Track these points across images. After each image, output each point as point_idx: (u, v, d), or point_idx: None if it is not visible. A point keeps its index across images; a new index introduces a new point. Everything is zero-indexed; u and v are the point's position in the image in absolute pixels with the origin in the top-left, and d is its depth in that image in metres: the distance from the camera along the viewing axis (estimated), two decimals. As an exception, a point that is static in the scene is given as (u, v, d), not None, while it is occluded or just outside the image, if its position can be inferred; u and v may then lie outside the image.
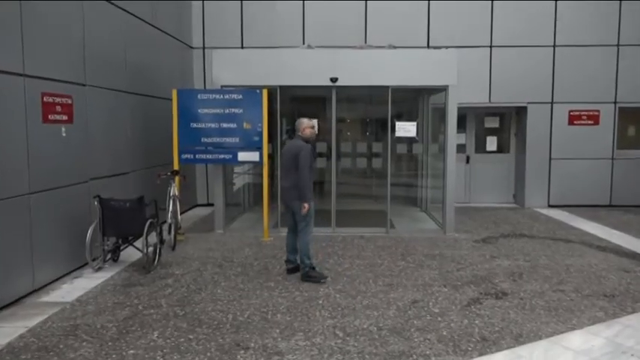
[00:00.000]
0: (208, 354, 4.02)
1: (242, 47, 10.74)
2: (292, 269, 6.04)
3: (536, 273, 6.17)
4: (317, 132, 5.95)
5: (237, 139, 7.91)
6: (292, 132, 10.13)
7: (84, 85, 6.50)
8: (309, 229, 5.81)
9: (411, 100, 10.42)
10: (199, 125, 7.91)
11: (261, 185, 8.21)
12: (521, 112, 11.10)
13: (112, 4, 7.33)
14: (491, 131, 11.45)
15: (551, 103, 10.78)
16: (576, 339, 4.32)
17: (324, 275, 5.84)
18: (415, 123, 8.46)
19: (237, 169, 9.87)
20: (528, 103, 10.78)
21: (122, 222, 6.13)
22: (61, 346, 4.18)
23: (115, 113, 7.39)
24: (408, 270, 6.30)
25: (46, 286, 5.67)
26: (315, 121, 6.00)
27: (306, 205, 5.63)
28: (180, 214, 7.97)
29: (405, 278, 5.96)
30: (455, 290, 5.54)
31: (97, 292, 5.47)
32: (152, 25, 8.86)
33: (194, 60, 11.00)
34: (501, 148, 11.55)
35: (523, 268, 6.36)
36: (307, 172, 5.61)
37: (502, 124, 11.54)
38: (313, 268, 5.85)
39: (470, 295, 5.35)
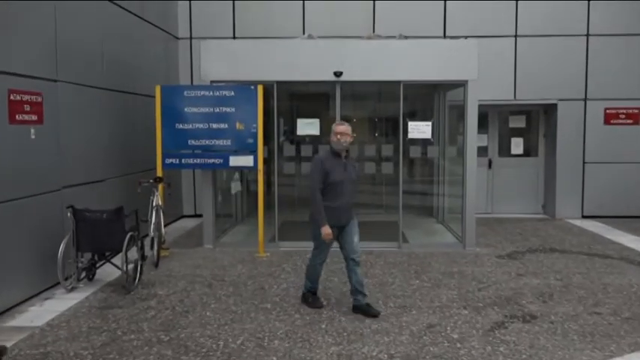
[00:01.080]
0: (196, 385, 4.03)
1: (234, 37, 10.81)
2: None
3: (569, 293, 6.17)
4: (349, 140, 5.37)
5: (228, 142, 7.94)
6: (290, 134, 10.16)
7: (55, 81, 6.55)
8: (316, 255, 5.63)
9: (426, 97, 10.45)
10: (186, 126, 7.95)
11: (256, 193, 8.23)
12: (550, 110, 11.12)
13: (88, -11, 7.41)
14: (517, 132, 11.47)
15: (585, 99, 10.81)
16: (615, 368, 4.32)
17: (319, 304, 5.69)
18: (430, 123, 8.48)
19: (228, 176, 9.90)
20: (559, 100, 10.81)
21: (98, 236, 6.14)
22: (30, 377, 4.19)
23: (91, 113, 7.43)
24: (423, 290, 6.29)
25: (12, 308, 5.68)
26: (345, 127, 5.36)
27: (324, 230, 5.31)
28: (165, 226, 7.98)
29: (419, 299, 5.96)
30: (476, 313, 5.53)
31: (70, 315, 5.48)
32: (132, 14, 8.92)
33: (180, 52, 11.06)
34: (528, 151, 11.56)
35: (554, 288, 6.36)
36: (313, 189, 5.27)
37: (529, 124, 11.56)
38: (313, 293, 5.79)
39: (493, 319, 5.35)
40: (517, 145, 11.47)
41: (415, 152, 9.10)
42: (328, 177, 5.30)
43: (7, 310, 5.60)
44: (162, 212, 7.71)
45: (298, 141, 9.47)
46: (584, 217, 10.88)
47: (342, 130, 5.34)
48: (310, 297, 5.75)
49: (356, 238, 5.60)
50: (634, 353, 4.58)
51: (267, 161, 8.76)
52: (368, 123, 11.79)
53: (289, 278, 6.76)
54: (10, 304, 5.68)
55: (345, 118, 9.89)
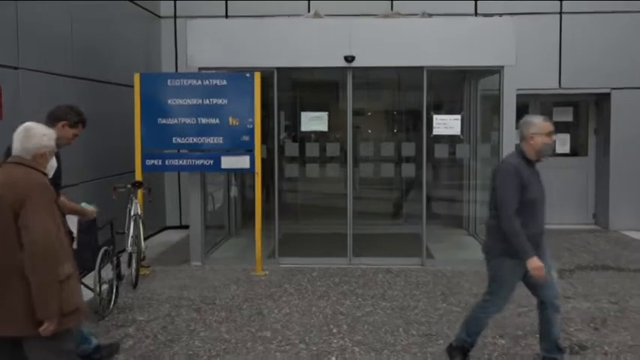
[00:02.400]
0: None
1: (226, 17, 10.85)
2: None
3: (626, 319, 6.14)
4: (553, 143, 4.85)
5: (220, 139, 7.96)
6: (293, 130, 10.18)
7: (16, 69, 6.59)
8: (491, 301, 4.89)
9: (454, 86, 10.45)
10: (169, 121, 7.98)
11: (252, 200, 8.25)
12: (602, 100, 11.09)
13: (55, -40, 7.46)
14: (563, 127, 11.43)
15: (644, 88, 10.78)
16: (682, 409, 4.29)
17: None
18: (459, 117, 8.48)
19: (220, 180, 9.92)
20: (612, 89, 10.77)
21: (67, 251, 6.15)
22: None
23: (58, 105, 7.45)
24: (451, 315, 6.27)
25: (-35, 336, 5.71)
26: (548, 124, 4.78)
27: (533, 263, 4.53)
28: (145, 239, 8.00)
29: (447, 326, 5.94)
30: (514, 342, 5.51)
31: None
32: (107, -11, 8.99)
33: (162, 34, 11.11)
34: (576, 150, 11.53)
35: (607, 313, 6.33)
36: (508, 210, 4.59)
37: (577, 118, 11.52)
38: (466, 351, 5.05)
39: (535, 350, 5.31)
40: (562, 143, 11.43)
41: (441, 152, 9.08)
42: (526, 193, 4.66)
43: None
44: (142, 223, 7.73)
45: (302, 138, 9.49)
46: (643, 228, 10.85)
47: (552, 128, 4.76)
48: (459, 356, 5.03)
49: (555, 275, 4.94)
50: None
51: (266, 162, 8.77)
52: (385, 117, 11.80)
53: (292, 301, 6.76)
54: (-36, 331, 5.69)
55: (358, 111, 9.95)
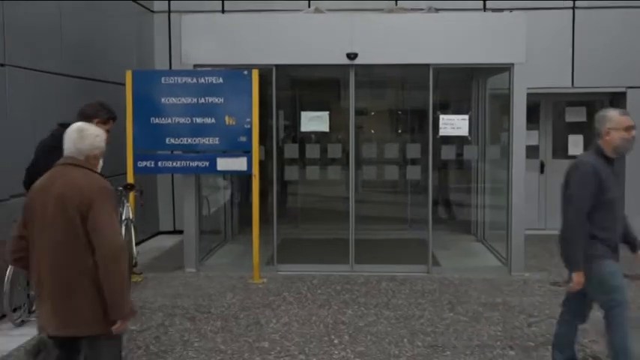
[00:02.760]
0: None
1: (223, 11, 10.86)
2: None
3: (643, 330, 6.13)
4: (632, 138, 4.63)
5: (216, 140, 7.96)
6: (293, 130, 10.16)
7: (3, 66, 6.59)
8: (617, 313, 4.62)
9: (461, 85, 10.45)
10: (163, 120, 7.99)
11: (249, 204, 8.24)
12: (618, 100, 11.07)
13: (43, -48, 7.47)
14: (576, 127, 11.43)
15: (661, 87, 10.77)
16: None
17: None
18: (467, 117, 8.48)
19: (215, 182, 9.92)
20: (628, 87, 10.77)
21: (55, 257, 6.14)
22: None
23: (47, 103, 7.46)
24: (459, 325, 6.27)
25: (-53, 347, 5.70)
26: (625, 118, 4.62)
27: (578, 275, 4.58)
28: (137, 245, 8.01)
29: (454, 337, 5.94)
30: (526, 355, 5.50)
31: (20, 356, 5.47)
32: (98, -18, 9.00)
33: (156, 30, 11.13)
34: (590, 152, 11.51)
35: (623, 323, 6.31)
36: (577, 214, 4.56)
37: (591, 118, 11.49)
38: None
39: (547, 362, 5.32)
40: (576, 145, 11.42)
41: (448, 153, 9.09)
42: (605, 193, 4.50)
43: (-59, 349, 5.63)
44: (134, 228, 7.74)
45: (302, 139, 9.49)
46: (660, 234, 10.80)
47: (631, 122, 4.59)
48: None
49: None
50: None
51: (264, 164, 8.77)
52: (389, 117, 11.81)
53: (291, 310, 6.75)
54: (-54, 341, 5.70)
55: (361, 111, 9.95)
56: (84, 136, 3.78)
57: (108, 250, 3.55)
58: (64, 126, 4.12)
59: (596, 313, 6.57)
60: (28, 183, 4.61)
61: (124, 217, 7.52)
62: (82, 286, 3.61)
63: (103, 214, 3.60)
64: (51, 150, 4.53)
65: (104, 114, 5.22)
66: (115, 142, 8.75)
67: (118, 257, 3.58)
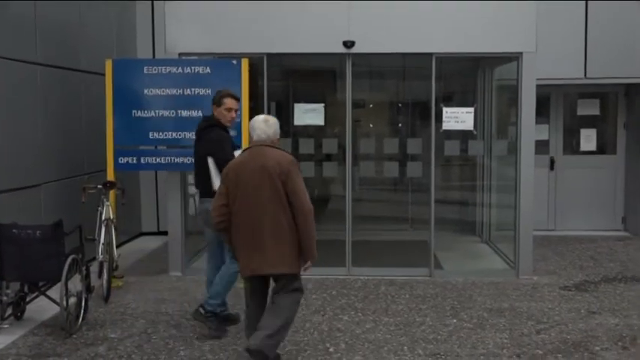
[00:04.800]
0: None
1: (210, -4, 10.83)
2: None
3: (659, 337, 6.16)
4: None
5: (202, 135, 7.96)
6: (285, 123, 10.13)
7: (-26, 54, 6.59)
8: None
9: (466, 75, 10.47)
10: (146, 113, 7.99)
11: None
12: (633, 91, 11.12)
13: None
14: (588, 121, 11.47)
15: (680, 77, 10.81)
16: None
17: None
18: (472, 109, 8.50)
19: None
20: (644, 78, 10.81)
21: (29, 260, 6.14)
22: None
23: (20, 95, 7.47)
24: (463, 332, 6.29)
25: None
26: None
27: None
28: (118, 247, 7.99)
29: (457, 345, 5.95)
30: (534, 363, 5.54)
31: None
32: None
33: (138, 15, 11.10)
34: (603, 148, 11.56)
35: (638, 330, 6.33)
36: None
37: (604, 111, 11.55)
38: None
39: (557, 371, 5.35)
40: (588, 139, 11.46)
41: (452, 149, 9.10)
42: None
43: None
44: (115, 228, 7.72)
45: (296, 133, 9.49)
46: (678, 235, 10.88)
47: None
48: None
49: None
50: None
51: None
52: (389, 110, 11.81)
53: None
54: None
55: (359, 103, 9.95)
56: (270, 125, 5.29)
57: (305, 208, 5.03)
58: (206, 119, 6.31)
59: (612, 320, 6.62)
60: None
61: (103, 217, 7.51)
62: (285, 235, 5.04)
63: (297, 181, 5.06)
64: (227, 139, 6.20)
65: (217, 98, 6.26)
66: (93, 137, 8.81)
67: (311, 213, 5.07)
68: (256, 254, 5.07)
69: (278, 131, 5.35)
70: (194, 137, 7.85)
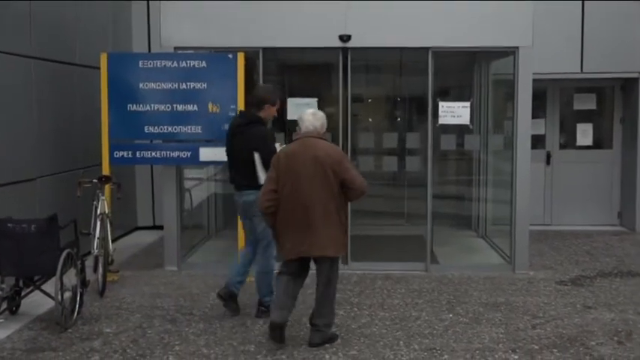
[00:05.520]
0: None
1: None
2: None
3: (654, 331, 6.18)
4: None
5: (198, 129, 7.96)
6: (280, 118, 10.12)
7: (-32, 48, 6.57)
8: None
9: (463, 70, 10.46)
10: (141, 107, 7.96)
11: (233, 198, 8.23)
12: (630, 86, 11.12)
13: None
14: (585, 116, 11.47)
15: (677, 72, 10.81)
16: None
17: None
18: (469, 104, 8.49)
19: (198, 174, 9.91)
20: (641, 73, 10.82)
21: (24, 254, 6.13)
22: None
23: (14, 89, 7.45)
24: (459, 327, 6.30)
25: None
26: None
27: None
28: (113, 241, 7.98)
29: (453, 339, 5.96)
30: (530, 358, 5.53)
31: (-13, 360, 5.49)
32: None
33: (133, 8, 11.07)
34: (599, 142, 11.57)
35: (634, 325, 6.35)
36: None
37: (601, 106, 11.56)
38: None
39: (552, 365, 5.36)
40: (585, 134, 11.47)
41: (448, 143, 9.11)
42: None
43: None
44: (110, 223, 7.71)
45: (290, 128, 9.47)
46: (674, 230, 10.89)
47: None
48: None
49: None
50: None
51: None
52: (385, 104, 11.80)
53: (279, 311, 6.76)
54: None
55: (355, 98, 9.92)
56: (318, 118, 5.81)
57: (360, 193, 5.63)
58: (244, 116, 6.66)
59: (608, 315, 6.63)
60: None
61: (99, 212, 7.49)
62: (334, 219, 5.59)
63: (350, 169, 5.61)
64: (270, 135, 6.60)
65: (276, 97, 6.61)
66: (88, 131, 8.78)
67: (363, 194, 5.67)
68: (307, 237, 5.55)
69: (325, 124, 5.85)
70: (189, 131, 7.91)
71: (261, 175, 6.24)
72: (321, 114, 5.86)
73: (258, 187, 6.04)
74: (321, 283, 5.75)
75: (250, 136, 6.37)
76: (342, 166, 5.55)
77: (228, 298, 6.52)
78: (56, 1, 8.47)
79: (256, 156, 6.32)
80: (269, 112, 6.53)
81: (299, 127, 5.86)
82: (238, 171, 6.55)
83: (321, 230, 5.53)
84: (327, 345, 5.77)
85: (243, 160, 6.41)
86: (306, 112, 5.84)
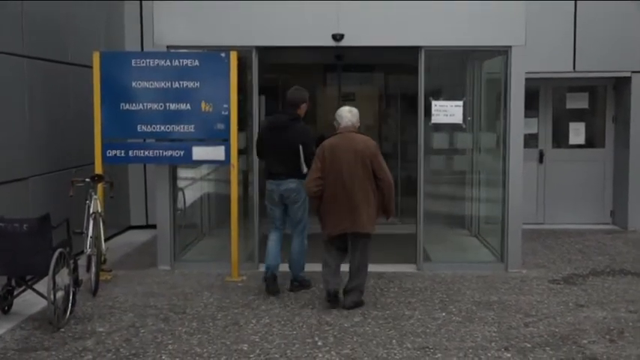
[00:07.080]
0: None
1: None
2: None
3: (646, 329, 6.20)
4: None
5: (191, 127, 7.94)
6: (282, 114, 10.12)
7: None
8: None
9: (455, 69, 10.45)
10: (134, 106, 7.95)
11: (227, 197, 8.24)
12: (622, 85, 11.15)
13: None
14: (577, 115, 11.49)
15: (669, 71, 10.84)
16: None
17: None
18: (461, 103, 8.51)
19: (191, 173, 9.90)
20: (633, 72, 10.83)
21: (16, 254, 6.12)
22: None
23: (7, 88, 7.42)
24: (451, 325, 6.31)
25: None
26: None
27: None
28: (106, 240, 7.98)
29: (446, 338, 5.98)
30: (522, 356, 5.55)
31: (-21, 360, 5.47)
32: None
33: (126, 6, 11.04)
34: (592, 141, 11.60)
35: (625, 323, 6.37)
36: None
37: (593, 105, 11.58)
38: None
39: (544, 364, 5.37)
40: (577, 133, 11.50)
41: (441, 142, 9.12)
42: None
43: None
44: (103, 222, 7.70)
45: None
46: (666, 228, 10.93)
47: None
48: None
49: None
50: None
51: (244, 153, 8.76)
52: (378, 103, 11.80)
53: (272, 310, 6.77)
54: None
55: (347, 96, 9.95)
56: (354, 114, 6.77)
57: (390, 180, 6.63)
58: (288, 113, 7.27)
59: (600, 313, 6.65)
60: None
61: (91, 211, 7.48)
62: (372, 201, 6.59)
63: (382, 161, 6.62)
64: (310, 130, 7.50)
65: (307, 98, 7.34)
66: (81, 130, 8.76)
67: (393, 185, 6.66)
68: (350, 216, 6.55)
69: (359, 119, 6.81)
70: (182, 130, 7.90)
71: (304, 166, 7.04)
72: (355, 110, 6.80)
73: (300, 176, 7.01)
74: (359, 255, 6.73)
75: (296, 131, 7.14)
76: (376, 157, 6.56)
77: (273, 280, 7.16)
78: (49, 0, 8.44)
79: (301, 148, 7.06)
80: (303, 111, 7.29)
81: (337, 122, 6.75)
82: (282, 162, 7.20)
83: (362, 210, 6.51)
84: (319, 344, 5.77)
85: (288, 153, 7.13)
86: (343, 109, 6.77)
